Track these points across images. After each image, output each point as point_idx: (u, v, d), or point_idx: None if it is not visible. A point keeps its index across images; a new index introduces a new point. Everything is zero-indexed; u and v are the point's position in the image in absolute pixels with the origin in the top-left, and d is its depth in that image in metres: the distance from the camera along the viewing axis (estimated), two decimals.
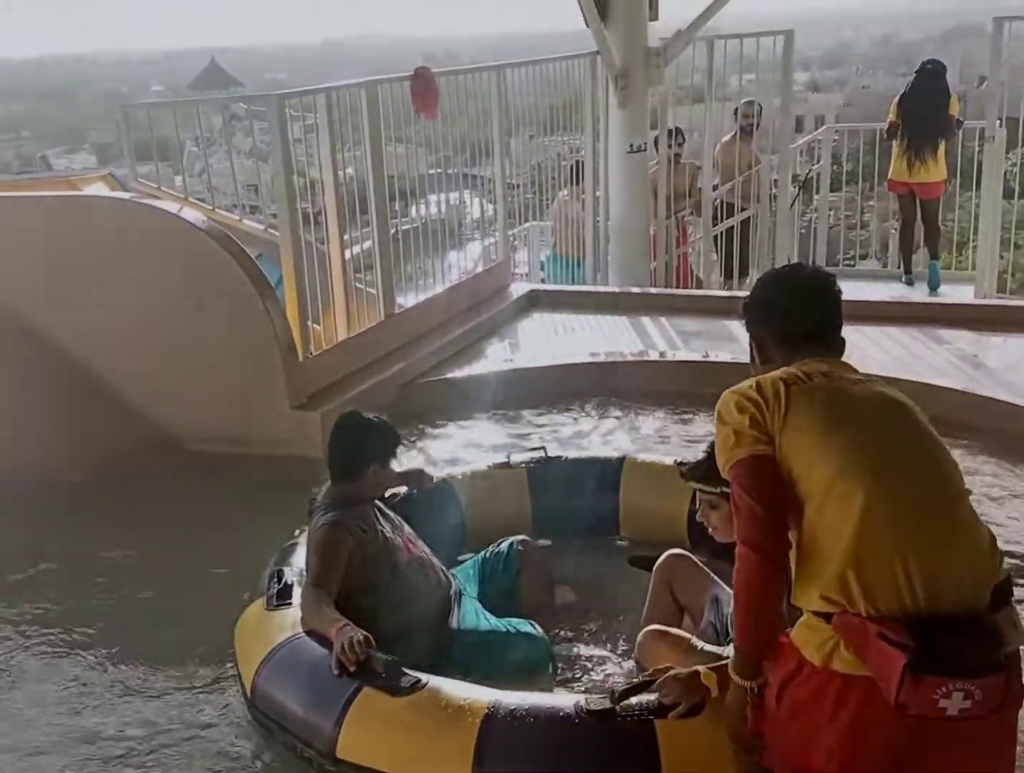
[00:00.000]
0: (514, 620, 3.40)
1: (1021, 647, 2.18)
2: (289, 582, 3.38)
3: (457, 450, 5.34)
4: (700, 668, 2.55)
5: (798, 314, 2.53)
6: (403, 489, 3.91)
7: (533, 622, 3.40)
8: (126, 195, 6.41)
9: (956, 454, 2.40)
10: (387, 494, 3.80)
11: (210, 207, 6.38)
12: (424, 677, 2.83)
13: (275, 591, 3.35)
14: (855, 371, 2.50)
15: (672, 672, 2.58)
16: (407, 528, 3.62)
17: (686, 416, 5.73)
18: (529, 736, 2.63)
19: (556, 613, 3.70)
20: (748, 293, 2.68)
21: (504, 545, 3.74)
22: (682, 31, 8.40)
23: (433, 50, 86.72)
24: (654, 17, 8.42)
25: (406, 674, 2.83)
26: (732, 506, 2.31)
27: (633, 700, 2.59)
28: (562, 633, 3.61)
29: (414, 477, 3.93)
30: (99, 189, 8.43)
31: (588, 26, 8.00)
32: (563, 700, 2.73)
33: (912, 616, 2.10)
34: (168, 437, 5.46)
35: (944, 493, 2.25)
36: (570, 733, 2.62)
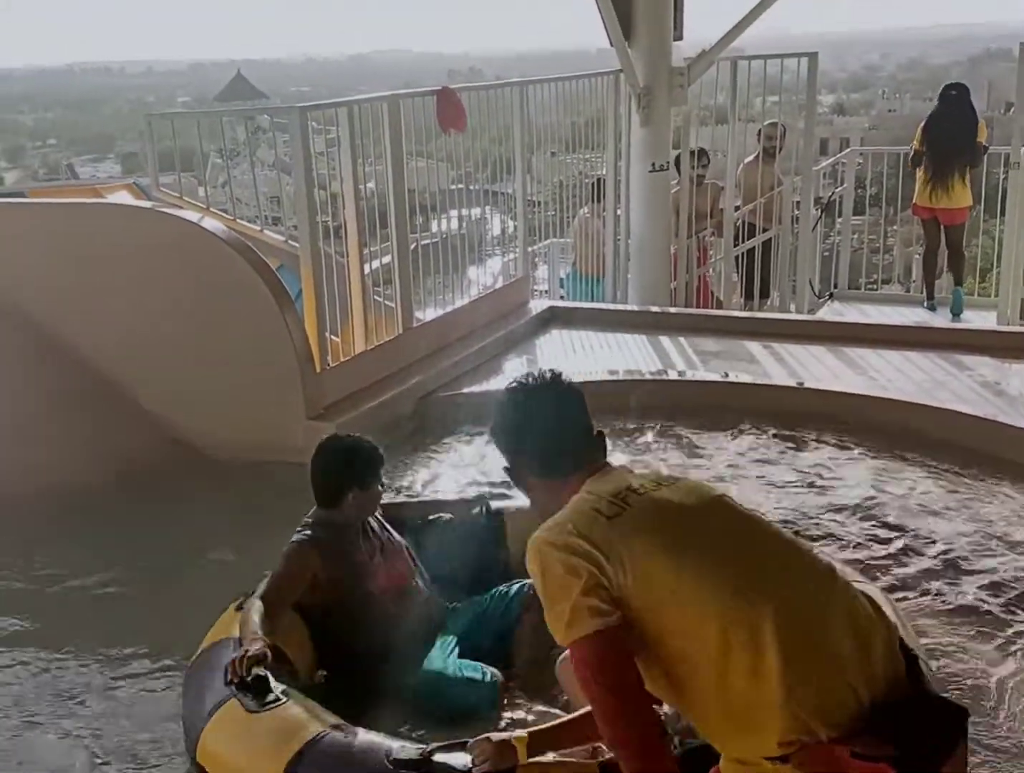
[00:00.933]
0: (465, 663, 3.32)
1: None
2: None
3: (473, 464, 5.33)
4: (516, 732, 2.45)
5: (551, 432, 2.36)
6: (447, 515, 3.86)
7: (483, 665, 3.29)
8: (148, 204, 6.48)
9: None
10: (431, 516, 3.83)
11: (232, 217, 6.43)
12: (284, 699, 2.81)
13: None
14: (632, 472, 2.34)
15: (486, 735, 2.44)
16: (404, 554, 3.59)
17: (695, 435, 5.70)
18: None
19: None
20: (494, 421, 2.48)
21: (514, 587, 3.58)
22: (706, 51, 8.42)
23: (457, 66, 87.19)
24: (678, 37, 8.45)
25: (269, 693, 2.83)
26: (579, 681, 2.07)
27: (442, 756, 2.52)
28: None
29: (469, 504, 3.90)
30: (123, 198, 8.54)
31: (612, 44, 8.03)
32: (381, 744, 2.65)
33: (864, 715, 1.93)
34: (186, 444, 5.49)
35: (822, 580, 2.10)
36: None
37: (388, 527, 3.64)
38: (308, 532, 3.46)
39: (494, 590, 3.63)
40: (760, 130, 9.26)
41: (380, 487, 3.60)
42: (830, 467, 5.17)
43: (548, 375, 2.45)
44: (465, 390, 6.28)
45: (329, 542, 3.43)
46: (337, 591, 3.38)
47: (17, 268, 5.72)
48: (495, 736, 2.43)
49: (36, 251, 5.72)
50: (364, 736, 2.70)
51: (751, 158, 9.26)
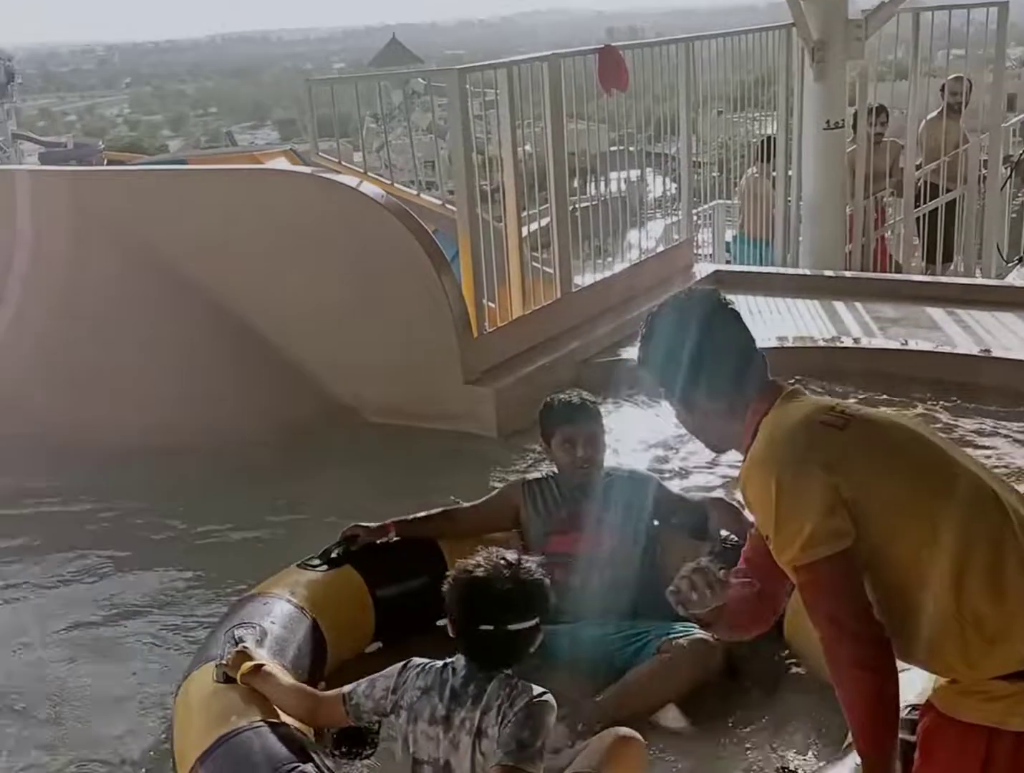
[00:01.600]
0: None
1: None
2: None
3: (638, 431, 5.31)
4: None
5: (731, 352, 2.19)
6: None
7: None
8: (306, 169, 6.59)
9: None
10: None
11: (389, 182, 6.49)
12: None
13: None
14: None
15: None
16: (601, 535, 3.51)
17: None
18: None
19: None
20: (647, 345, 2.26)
21: (652, 636, 3.28)
22: (885, 2, 8.04)
23: (616, 25, 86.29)
24: None
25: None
26: (809, 605, 2.01)
27: None
28: None
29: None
30: (281, 164, 8.73)
31: None
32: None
33: None
34: (345, 408, 5.61)
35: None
36: None
37: (614, 502, 3.51)
38: (528, 475, 3.84)
39: (635, 629, 3.36)
40: (944, 85, 8.81)
41: (589, 433, 3.54)
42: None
43: (708, 293, 2.29)
44: (624, 355, 6.20)
45: (539, 484, 3.67)
46: (525, 535, 3.60)
47: (186, 233, 5.91)
48: None
49: (197, 216, 5.90)
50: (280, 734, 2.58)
51: (934, 114, 8.82)
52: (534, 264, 6.53)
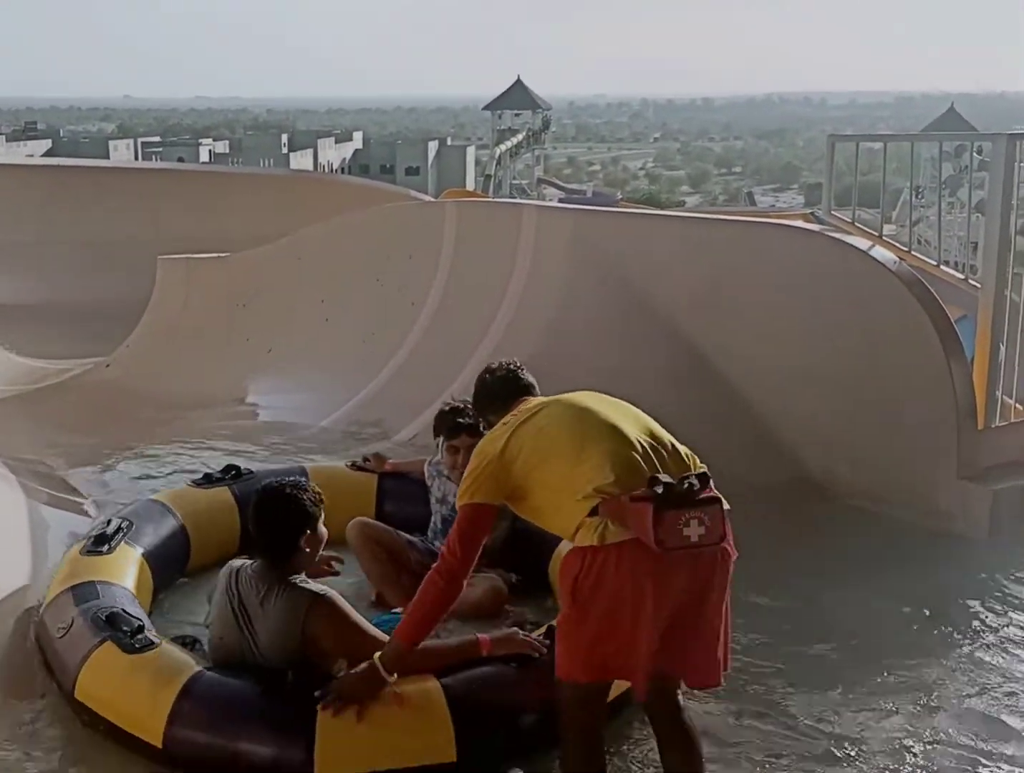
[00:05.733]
0: None
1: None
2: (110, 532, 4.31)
3: None
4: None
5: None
6: None
7: None
8: (814, 227, 6.73)
9: None
10: None
11: (906, 249, 6.45)
12: (158, 641, 3.63)
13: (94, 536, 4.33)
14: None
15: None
16: None
17: None
18: (216, 705, 3.44)
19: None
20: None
21: None
22: None
23: None
24: None
25: (145, 636, 3.63)
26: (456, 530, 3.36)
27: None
28: None
29: None
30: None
31: None
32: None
33: (658, 485, 3.02)
34: (812, 482, 5.64)
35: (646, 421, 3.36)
36: (247, 709, 3.42)
37: None
38: None
39: None
40: None
41: None
42: None
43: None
44: None
45: None
46: None
47: (676, 277, 6.29)
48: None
49: (696, 262, 6.25)
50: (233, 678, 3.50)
51: None
52: None
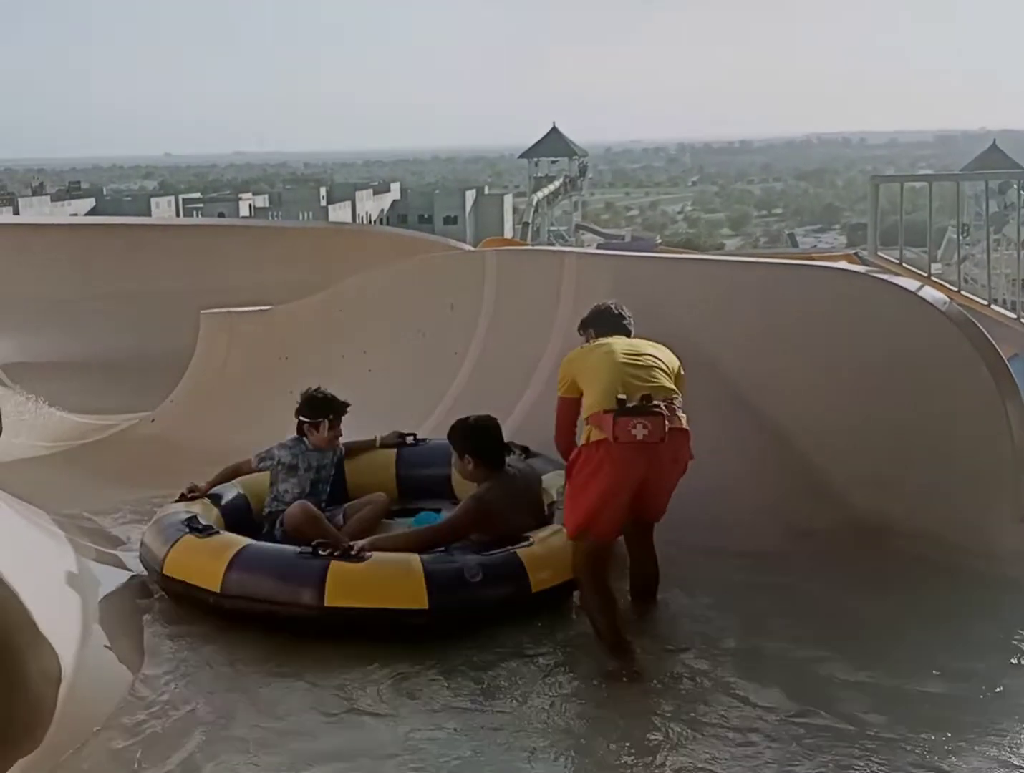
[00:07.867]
0: None
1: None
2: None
3: None
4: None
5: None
6: None
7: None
8: (861, 268, 6.70)
9: None
10: None
11: (955, 289, 6.42)
12: (216, 529, 5.39)
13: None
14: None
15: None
16: None
17: None
18: (260, 563, 5.09)
19: None
20: None
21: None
22: None
23: None
24: None
25: (209, 527, 5.35)
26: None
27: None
28: None
29: None
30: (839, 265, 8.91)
31: None
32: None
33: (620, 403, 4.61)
34: (866, 524, 5.57)
35: (650, 361, 4.89)
36: (284, 565, 5.03)
37: None
38: None
39: None
40: None
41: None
42: None
43: None
44: None
45: None
46: None
47: (723, 321, 6.27)
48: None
49: (742, 307, 6.23)
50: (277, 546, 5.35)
51: None
52: None
